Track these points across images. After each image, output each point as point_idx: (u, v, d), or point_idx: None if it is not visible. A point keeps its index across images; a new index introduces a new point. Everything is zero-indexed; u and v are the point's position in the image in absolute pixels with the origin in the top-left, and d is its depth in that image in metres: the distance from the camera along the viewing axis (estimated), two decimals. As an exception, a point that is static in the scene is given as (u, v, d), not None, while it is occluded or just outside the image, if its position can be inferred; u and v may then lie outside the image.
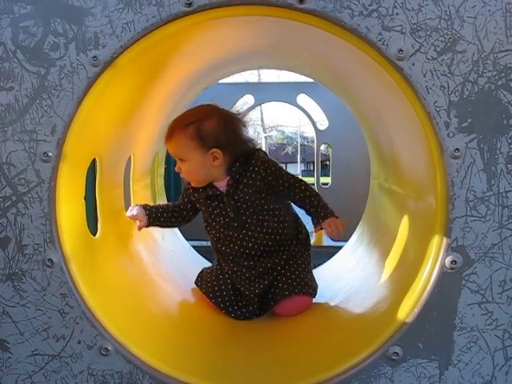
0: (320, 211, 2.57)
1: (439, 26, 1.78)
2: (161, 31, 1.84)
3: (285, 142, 51.36)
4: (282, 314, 2.63)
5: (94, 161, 2.26)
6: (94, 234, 2.27)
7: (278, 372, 2.04)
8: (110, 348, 1.90)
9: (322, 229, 2.55)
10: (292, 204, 2.78)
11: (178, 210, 2.78)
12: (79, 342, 1.91)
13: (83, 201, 2.10)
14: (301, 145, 47.58)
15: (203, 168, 2.55)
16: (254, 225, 2.58)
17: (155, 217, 2.69)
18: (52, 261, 1.88)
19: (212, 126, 2.54)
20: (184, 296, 2.76)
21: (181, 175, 2.63)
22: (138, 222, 2.65)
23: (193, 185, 2.68)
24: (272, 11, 1.87)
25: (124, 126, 2.52)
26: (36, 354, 1.92)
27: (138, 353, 1.93)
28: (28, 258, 1.89)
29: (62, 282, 1.89)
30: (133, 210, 2.65)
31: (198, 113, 2.63)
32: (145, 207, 2.68)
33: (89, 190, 2.21)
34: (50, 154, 1.85)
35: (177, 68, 2.64)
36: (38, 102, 1.85)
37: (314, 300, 2.68)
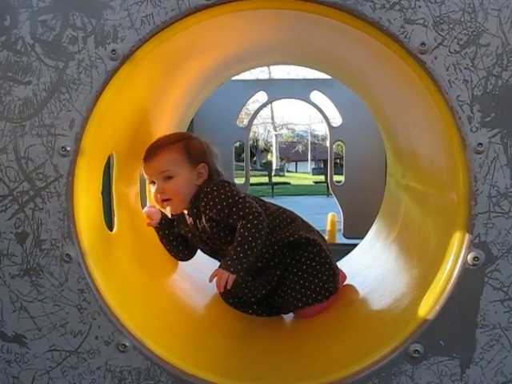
0: (226, 260, 2.31)
1: (462, 19, 1.75)
2: (180, 24, 1.83)
3: (295, 140, 51.33)
4: (299, 316, 2.62)
5: (109, 156, 2.25)
6: (111, 230, 2.27)
7: (296, 369, 2.03)
8: (127, 344, 1.90)
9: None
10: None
11: (184, 237, 2.71)
12: (97, 338, 1.91)
13: (100, 196, 2.09)
14: (311, 143, 47.53)
15: (189, 185, 2.51)
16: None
17: (166, 223, 2.68)
18: (70, 256, 1.87)
19: (198, 143, 2.60)
20: (200, 293, 2.74)
21: (159, 198, 2.51)
22: (150, 220, 2.66)
23: (171, 210, 2.58)
24: (292, 4, 1.86)
25: (141, 120, 2.51)
26: (53, 350, 1.92)
27: (155, 349, 1.92)
28: (46, 253, 1.88)
29: (80, 278, 1.88)
30: (151, 208, 2.69)
31: (181, 134, 2.70)
32: (162, 212, 2.68)
33: (104, 185, 2.19)
34: (68, 149, 1.84)
35: (194, 62, 2.63)
36: (56, 96, 1.84)
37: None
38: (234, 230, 2.39)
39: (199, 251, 2.80)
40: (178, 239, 2.70)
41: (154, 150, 2.51)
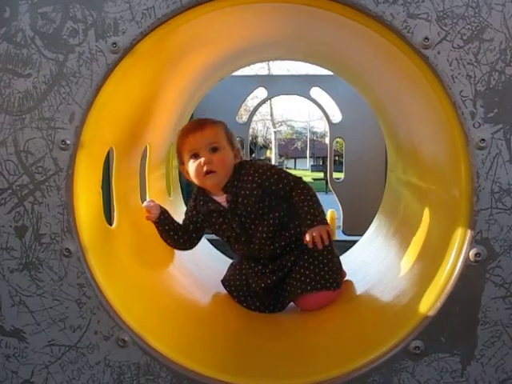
0: (308, 218, 2.46)
1: (466, 14, 1.74)
2: (181, 17, 1.82)
3: (294, 136, 51.27)
4: (303, 308, 2.63)
5: (108, 150, 2.24)
6: (110, 224, 2.25)
7: (296, 365, 2.03)
8: (127, 339, 1.89)
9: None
10: None
11: (185, 228, 2.74)
12: (96, 333, 1.90)
13: (100, 190, 2.08)
14: (310, 140, 47.48)
15: (231, 161, 2.61)
16: (260, 237, 2.59)
17: (165, 218, 2.68)
18: (69, 250, 1.86)
19: (231, 131, 2.74)
20: (200, 288, 2.74)
21: (206, 169, 2.55)
22: (149, 213, 2.65)
23: (215, 181, 2.59)
24: (294, -2, 1.85)
25: (141, 114, 2.50)
26: (52, 345, 1.91)
27: (155, 344, 1.92)
28: (45, 248, 1.87)
29: (79, 272, 1.87)
30: (150, 203, 2.68)
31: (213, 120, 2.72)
32: (160, 206, 2.69)
33: (104, 180, 2.18)
34: (68, 142, 1.83)
35: (195, 57, 2.62)
36: (56, 89, 1.82)
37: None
38: (271, 207, 2.56)
39: (203, 249, 2.79)
40: (177, 233, 2.71)
41: (202, 124, 2.62)
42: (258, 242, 2.60)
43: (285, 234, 2.61)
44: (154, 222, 2.66)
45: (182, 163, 2.68)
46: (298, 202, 2.52)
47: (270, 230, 2.57)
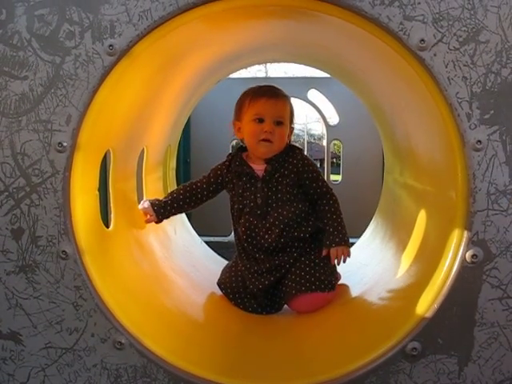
0: (336, 235, 2.56)
1: (462, 16, 1.74)
2: (178, 20, 1.82)
3: (292, 139, 51.30)
4: (297, 310, 2.62)
5: (105, 153, 2.24)
6: (107, 227, 2.25)
7: (293, 367, 2.02)
8: (123, 341, 1.89)
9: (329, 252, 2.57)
10: None
11: (194, 189, 2.76)
12: (93, 335, 1.90)
13: (97, 192, 2.08)
14: (307, 142, 47.46)
15: (286, 138, 2.70)
16: (274, 218, 2.59)
17: (164, 211, 2.70)
18: (66, 253, 1.86)
19: (293, 108, 2.79)
20: (197, 290, 2.73)
21: (264, 137, 2.61)
22: (148, 216, 2.67)
23: (269, 150, 2.63)
24: (290, 0, 1.85)
25: (138, 117, 2.50)
26: (49, 347, 1.91)
27: (152, 347, 1.91)
28: (42, 250, 1.87)
29: (76, 275, 1.87)
30: (144, 204, 2.68)
31: (277, 89, 2.77)
32: (153, 203, 2.68)
33: (101, 182, 2.18)
34: (65, 144, 1.83)
35: (192, 59, 2.62)
36: (52, 91, 1.82)
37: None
38: (297, 197, 2.61)
39: (200, 250, 2.79)
40: (182, 208, 2.78)
41: (276, 94, 2.69)
42: (271, 221, 2.59)
43: (298, 227, 2.61)
44: (156, 222, 2.67)
45: (238, 119, 2.73)
46: (327, 213, 2.61)
47: (288, 215, 2.58)
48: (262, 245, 2.61)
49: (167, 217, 2.73)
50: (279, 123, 2.62)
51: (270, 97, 2.64)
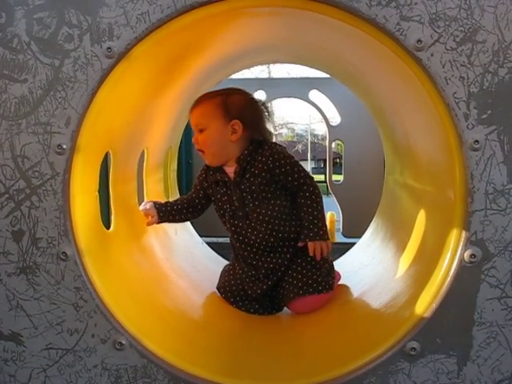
0: (311, 229, 2.48)
1: (459, 16, 1.75)
2: (176, 22, 1.82)
3: (295, 139, 51.24)
4: (295, 312, 2.63)
5: (106, 154, 2.25)
6: (108, 228, 2.26)
7: (292, 367, 2.03)
8: (124, 342, 1.89)
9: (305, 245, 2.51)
10: None
11: (190, 200, 2.78)
12: (93, 336, 1.91)
13: (97, 194, 2.09)
14: (311, 142, 47.46)
15: (220, 140, 2.55)
16: (256, 218, 2.56)
17: (165, 214, 2.71)
18: (66, 254, 1.87)
19: (239, 99, 2.62)
20: (197, 291, 2.74)
21: (196, 148, 2.61)
22: (149, 218, 2.69)
23: (207, 161, 2.64)
24: (288, 1, 1.86)
25: (138, 119, 2.51)
26: (50, 348, 1.92)
27: (152, 347, 1.92)
28: (42, 252, 1.88)
29: (76, 276, 1.88)
30: (145, 205, 2.70)
31: (227, 88, 2.69)
32: (155, 204, 2.71)
33: (102, 184, 2.19)
34: (65, 147, 1.84)
35: (191, 61, 2.62)
36: (52, 93, 1.84)
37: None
38: (275, 193, 2.54)
39: (200, 251, 2.80)
40: (183, 213, 2.76)
41: (196, 103, 2.61)
42: (254, 222, 2.56)
43: (282, 224, 2.56)
44: (157, 223, 2.68)
45: None
46: (303, 206, 2.52)
47: (268, 214, 2.54)
48: (252, 245, 2.60)
49: (168, 218, 2.73)
50: (201, 130, 2.56)
51: (191, 108, 2.61)
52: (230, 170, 2.59)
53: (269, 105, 2.81)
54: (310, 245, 2.47)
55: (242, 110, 2.57)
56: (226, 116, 2.54)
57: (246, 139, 2.57)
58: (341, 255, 3.57)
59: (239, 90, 2.68)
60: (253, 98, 2.69)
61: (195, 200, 2.77)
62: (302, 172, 2.54)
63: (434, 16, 1.75)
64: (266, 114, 2.69)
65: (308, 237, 2.47)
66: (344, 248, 3.77)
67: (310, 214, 2.49)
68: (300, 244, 2.51)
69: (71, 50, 1.82)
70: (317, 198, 2.53)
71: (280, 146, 2.63)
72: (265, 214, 2.54)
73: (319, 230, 2.48)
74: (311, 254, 2.47)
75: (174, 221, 2.81)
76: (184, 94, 3.05)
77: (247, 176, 2.54)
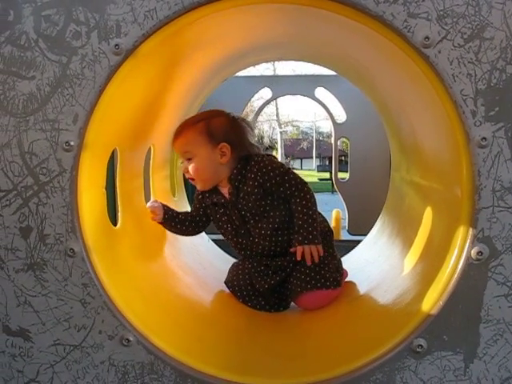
0: (301, 233, 2.47)
1: (466, 13, 1.74)
2: (183, 19, 1.83)
3: (300, 137, 51.28)
4: (303, 307, 2.64)
5: (112, 151, 2.25)
6: (114, 225, 2.27)
7: (299, 364, 2.03)
8: (131, 338, 1.90)
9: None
10: None
11: (191, 217, 2.78)
12: (100, 333, 1.91)
13: (104, 191, 2.09)
14: (316, 140, 47.48)
15: (210, 165, 2.55)
16: (259, 234, 2.58)
17: (169, 217, 2.71)
18: (73, 250, 1.87)
19: (222, 122, 2.61)
20: (204, 288, 2.75)
21: (187, 176, 2.62)
22: (155, 214, 2.68)
23: (199, 188, 2.66)
24: (295, -2, 1.86)
25: (145, 116, 2.51)
26: (57, 344, 1.92)
27: (159, 344, 1.93)
28: (50, 248, 1.89)
29: (84, 272, 1.89)
30: (153, 203, 2.70)
31: (207, 112, 2.69)
32: (164, 205, 2.72)
33: (108, 181, 2.20)
34: (72, 143, 1.84)
35: (198, 57, 2.63)
36: (59, 90, 1.84)
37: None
38: (273, 205, 2.54)
39: (207, 248, 2.80)
40: (184, 225, 2.74)
41: (178, 131, 2.60)
42: (257, 237, 2.59)
43: (286, 233, 2.58)
44: (160, 222, 2.68)
45: None
46: (295, 211, 2.50)
47: (269, 227, 2.56)
48: (258, 254, 2.63)
49: (170, 223, 2.72)
50: (189, 159, 2.57)
51: (174, 137, 2.61)
52: (225, 190, 2.61)
53: (249, 119, 2.79)
54: (299, 249, 2.45)
55: (226, 131, 2.57)
56: (211, 141, 2.54)
57: (234, 158, 2.58)
58: (346, 253, 3.57)
59: (219, 111, 2.67)
60: (234, 117, 2.67)
61: (196, 217, 2.77)
62: (292, 180, 2.52)
63: (441, 13, 1.75)
64: (249, 129, 2.69)
65: (297, 241, 2.46)
66: (349, 246, 3.77)
67: (300, 219, 2.47)
68: (292, 250, 2.50)
69: (79, 47, 1.83)
70: (307, 203, 2.50)
71: (268, 156, 2.61)
72: (266, 228, 2.56)
73: (308, 234, 2.46)
74: (299, 259, 2.45)
75: (174, 228, 2.76)
76: (191, 91, 3.06)
77: (241, 195, 2.55)
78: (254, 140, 2.69)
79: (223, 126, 2.59)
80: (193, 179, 2.60)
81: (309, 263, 2.47)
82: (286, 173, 2.52)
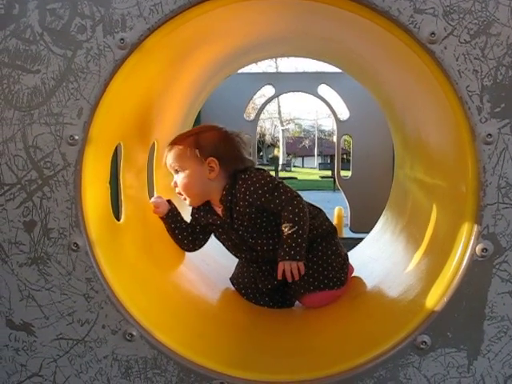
0: (283, 249, 2.40)
1: (473, 9, 1.73)
2: (189, 13, 1.82)
3: (302, 135, 51.27)
4: (307, 306, 2.64)
5: (116, 146, 2.25)
6: (118, 220, 2.27)
7: (302, 360, 2.04)
8: (134, 333, 1.90)
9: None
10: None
11: (192, 228, 2.71)
12: (104, 327, 1.91)
13: (108, 185, 2.09)
14: (318, 138, 47.47)
15: (199, 180, 2.53)
16: (261, 249, 2.58)
17: (173, 215, 2.67)
18: (77, 245, 1.87)
19: (211, 136, 2.58)
20: (207, 284, 2.75)
21: (176, 191, 2.60)
22: (158, 208, 2.66)
23: (188, 203, 2.63)
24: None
25: (149, 111, 2.51)
26: (61, 338, 1.92)
27: (162, 339, 1.93)
28: (53, 242, 1.88)
29: (87, 267, 1.89)
30: (157, 199, 2.69)
31: (199, 127, 2.70)
32: (170, 203, 2.70)
33: (112, 175, 2.20)
34: (76, 137, 1.84)
35: (203, 52, 2.62)
36: (64, 84, 1.84)
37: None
38: (269, 220, 2.50)
39: (210, 244, 2.80)
40: (184, 232, 2.69)
41: (169, 145, 2.59)
42: (260, 252, 2.59)
43: None
44: (162, 218, 2.68)
45: None
46: (282, 224, 2.43)
47: (270, 242, 2.55)
48: (263, 261, 2.64)
49: (171, 221, 2.67)
50: (176, 171, 2.57)
51: (165, 153, 2.61)
52: (219, 210, 2.59)
53: (242, 134, 2.72)
54: (280, 265, 2.40)
55: (215, 146, 2.53)
56: (200, 155, 2.50)
57: (224, 173, 2.54)
58: (348, 250, 3.55)
59: (212, 126, 2.64)
60: (226, 132, 2.61)
61: (195, 231, 2.72)
62: (282, 195, 2.45)
63: (447, 8, 1.74)
64: (242, 144, 2.63)
65: (279, 256, 2.41)
66: (352, 243, 3.77)
67: (285, 234, 2.40)
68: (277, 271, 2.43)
69: (84, 41, 1.82)
70: (295, 217, 2.40)
71: (256, 172, 2.53)
72: (267, 243, 2.56)
73: (291, 249, 2.38)
74: (279, 275, 2.40)
75: (172, 231, 2.69)
76: (194, 87, 3.05)
77: (235, 216, 2.52)
78: (247, 154, 2.64)
79: (212, 140, 2.56)
80: (180, 194, 2.58)
81: (289, 280, 2.41)
82: (275, 188, 2.45)
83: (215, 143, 2.55)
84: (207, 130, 2.61)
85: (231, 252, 2.72)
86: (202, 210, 2.65)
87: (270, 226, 2.53)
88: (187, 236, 2.69)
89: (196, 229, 2.71)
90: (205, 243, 2.78)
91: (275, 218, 2.50)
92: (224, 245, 2.71)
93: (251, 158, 2.67)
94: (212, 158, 2.50)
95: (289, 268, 2.38)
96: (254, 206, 2.47)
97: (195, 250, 2.77)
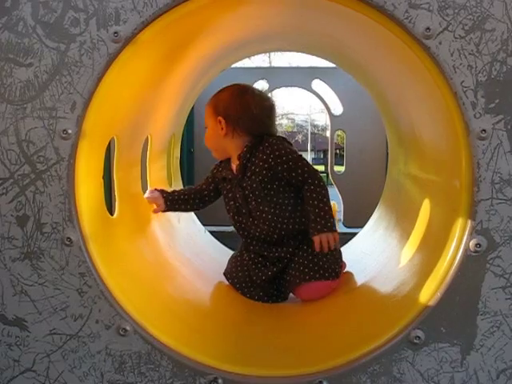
0: (318, 222, 2.43)
1: (468, 4, 1.73)
2: (183, 7, 1.81)
3: (295, 130, 51.18)
4: (302, 298, 2.63)
5: (109, 140, 2.24)
6: (111, 214, 2.26)
7: (297, 355, 2.03)
8: (128, 328, 1.89)
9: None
10: None
11: (198, 191, 2.83)
12: (97, 322, 1.90)
13: (102, 180, 2.08)
14: (311, 133, 47.42)
15: (214, 136, 2.68)
16: (259, 216, 2.58)
17: (172, 203, 2.75)
18: (71, 239, 1.86)
19: (225, 96, 2.69)
20: (201, 279, 2.75)
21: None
22: (154, 206, 2.71)
23: (213, 156, 2.77)
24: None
25: (142, 104, 2.50)
26: (54, 333, 1.91)
27: (156, 334, 1.92)
28: (46, 237, 1.87)
29: (81, 261, 1.88)
30: (152, 193, 2.70)
31: (226, 86, 2.76)
32: (162, 192, 2.72)
33: (105, 170, 2.19)
34: (70, 132, 1.83)
35: (196, 47, 2.61)
36: (57, 78, 1.82)
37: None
38: (278, 191, 2.55)
39: (204, 240, 2.80)
40: (188, 205, 2.83)
41: (205, 105, 2.76)
42: (257, 220, 2.59)
43: (285, 222, 2.57)
44: (163, 211, 2.70)
45: None
46: (309, 199, 2.46)
47: (270, 211, 2.56)
48: (257, 239, 2.63)
49: (174, 207, 2.77)
50: (205, 128, 2.74)
51: None
52: (234, 166, 2.65)
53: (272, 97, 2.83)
54: (316, 238, 2.42)
55: (226, 106, 2.63)
56: (215, 113, 2.66)
57: (240, 134, 2.62)
58: (342, 245, 3.56)
59: (233, 85, 2.73)
60: (241, 94, 2.67)
61: (204, 191, 2.82)
62: (305, 166, 2.51)
63: (442, 4, 1.74)
64: (267, 107, 2.69)
65: (316, 230, 2.43)
66: (345, 238, 3.75)
67: (316, 207, 2.44)
68: (314, 244, 2.45)
69: (77, 35, 1.81)
70: (322, 190, 2.48)
71: (282, 140, 2.63)
72: (267, 212, 2.56)
73: (326, 222, 2.42)
74: (317, 248, 2.42)
75: (179, 210, 2.86)
76: (188, 81, 3.04)
77: (248, 174, 2.56)
78: (269, 121, 2.69)
79: (225, 100, 2.66)
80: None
81: (325, 250, 2.43)
82: (300, 159, 2.53)
83: (226, 103, 2.65)
84: (225, 90, 2.73)
85: (229, 214, 2.73)
86: (222, 165, 2.78)
87: (276, 196, 2.55)
88: (192, 204, 2.85)
89: (204, 190, 2.84)
90: (211, 203, 2.89)
91: (283, 192, 2.56)
92: (227, 205, 2.73)
93: (270, 121, 2.71)
94: (219, 117, 2.63)
95: (326, 240, 2.41)
96: (271, 171, 2.52)
97: (202, 208, 2.92)
